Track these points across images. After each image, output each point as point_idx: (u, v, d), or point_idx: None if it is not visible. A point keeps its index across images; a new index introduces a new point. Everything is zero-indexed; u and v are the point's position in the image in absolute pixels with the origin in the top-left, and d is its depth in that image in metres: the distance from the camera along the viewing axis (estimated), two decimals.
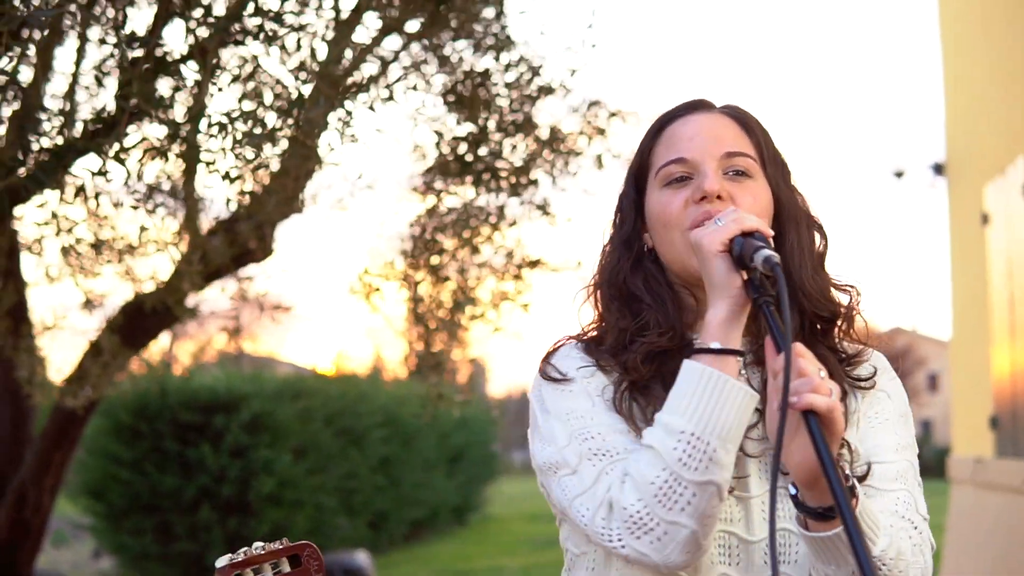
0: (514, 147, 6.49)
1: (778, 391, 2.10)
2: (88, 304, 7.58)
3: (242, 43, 5.83)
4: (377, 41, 5.90)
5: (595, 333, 2.57)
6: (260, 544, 2.48)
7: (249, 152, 5.88)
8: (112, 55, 5.50)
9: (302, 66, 5.76)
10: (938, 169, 13.94)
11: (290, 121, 5.78)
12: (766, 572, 2.43)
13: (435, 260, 7.06)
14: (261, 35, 5.72)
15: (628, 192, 2.61)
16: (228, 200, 6.42)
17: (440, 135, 6.45)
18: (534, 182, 6.45)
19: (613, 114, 6.61)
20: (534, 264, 6.90)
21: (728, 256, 2.28)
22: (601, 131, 6.63)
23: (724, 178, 2.45)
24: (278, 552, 2.49)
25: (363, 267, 7.59)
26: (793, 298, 2.41)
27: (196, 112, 5.98)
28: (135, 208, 6.63)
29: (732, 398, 2.28)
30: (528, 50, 6.12)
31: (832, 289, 2.53)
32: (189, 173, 6.20)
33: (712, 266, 2.30)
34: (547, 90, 6.14)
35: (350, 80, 6.07)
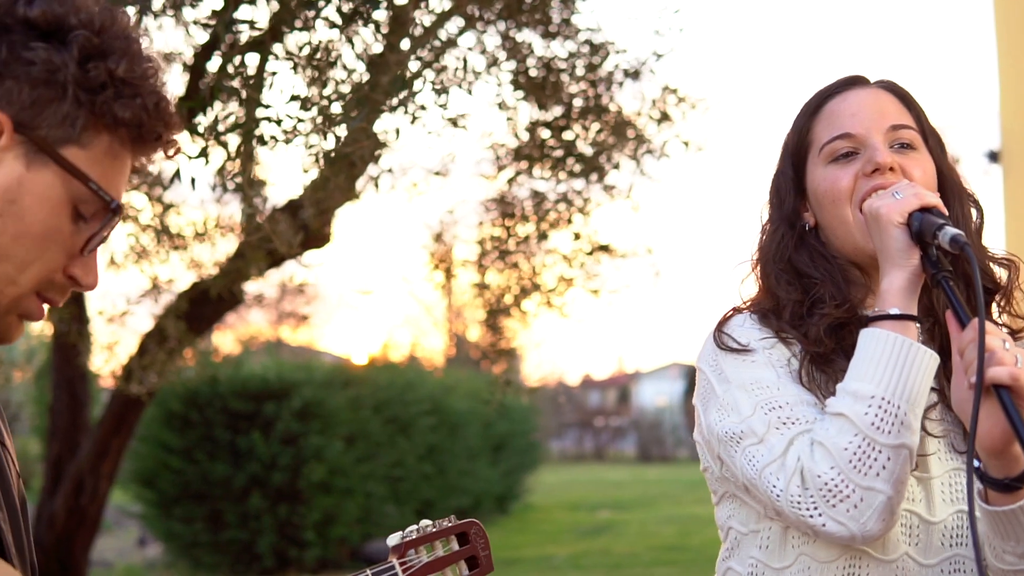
0: (585, 133, 6.48)
1: (966, 367, 2.09)
2: (154, 290, 7.61)
3: (312, 28, 5.85)
4: (439, 24, 5.89)
5: (766, 306, 2.56)
6: (428, 522, 2.54)
7: (314, 138, 5.89)
8: (189, 35, 5.52)
9: (366, 51, 5.76)
10: (993, 157, 13.84)
11: (354, 109, 5.79)
12: (944, 553, 2.42)
13: (504, 246, 7.06)
14: (326, 20, 5.75)
15: (785, 171, 2.61)
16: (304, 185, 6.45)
17: (511, 120, 6.46)
18: (616, 167, 6.45)
19: (681, 100, 6.59)
20: (604, 250, 6.90)
21: (906, 229, 2.28)
22: (667, 117, 6.62)
23: (891, 151, 2.45)
24: (448, 530, 2.55)
25: (431, 253, 7.62)
26: (960, 273, 2.39)
27: (257, 98, 6.01)
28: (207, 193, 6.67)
29: (919, 362, 2.29)
30: (600, 35, 6.12)
31: (991, 263, 2.52)
32: (251, 157, 6.21)
33: (890, 236, 2.31)
34: (633, 74, 6.13)
35: (415, 66, 6.07)
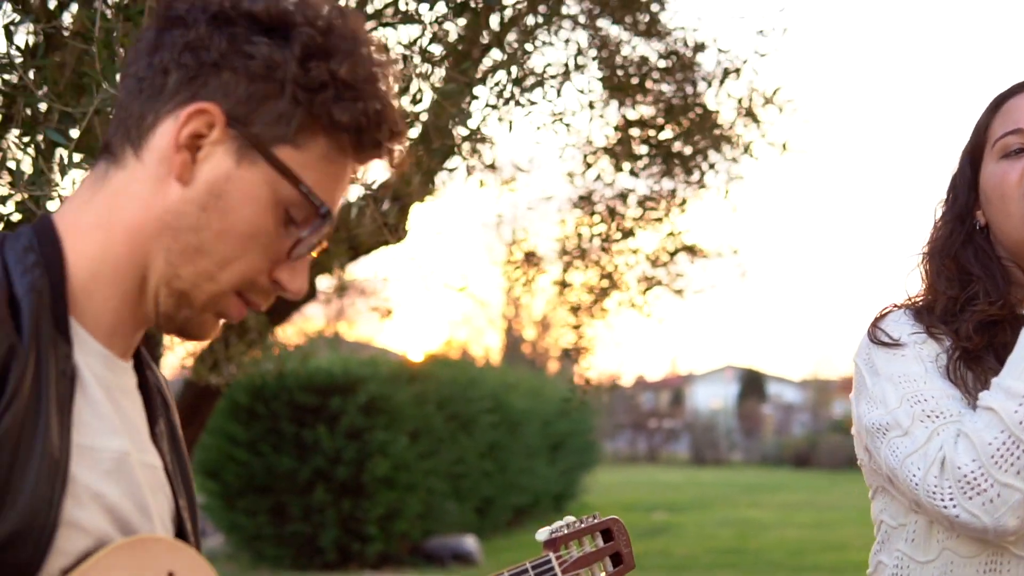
0: (675, 131, 6.49)
1: None
2: None
3: (392, 25, 5.87)
4: (515, 21, 5.91)
5: (922, 302, 2.58)
6: (572, 518, 2.60)
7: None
8: None
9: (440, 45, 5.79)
10: None
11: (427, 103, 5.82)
12: None
13: (587, 245, 7.07)
14: (398, 16, 5.78)
15: (963, 170, 2.62)
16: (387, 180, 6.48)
17: (602, 117, 6.47)
18: (712, 166, 6.45)
19: (768, 100, 6.57)
20: (689, 250, 6.89)
21: None
22: (755, 118, 6.60)
23: None
24: (594, 527, 2.61)
25: (512, 250, 7.63)
26: None
27: None
28: None
29: None
30: (698, 34, 6.13)
31: None
32: None
33: None
34: (734, 72, 6.13)
35: (491, 62, 6.09)
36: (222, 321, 1.91)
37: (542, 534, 2.53)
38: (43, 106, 3.69)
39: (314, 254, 1.89)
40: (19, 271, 1.75)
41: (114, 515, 1.80)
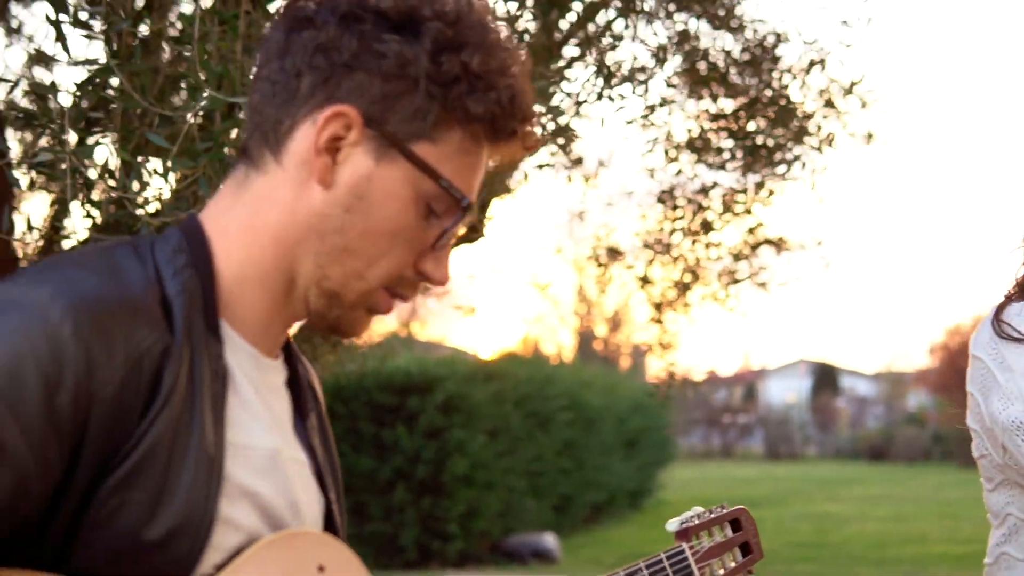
0: (757, 124, 6.47)
1: None
2: None
3: None
4: (590, 15, 5.91)
5: None
6: (700, 509, 2.60)
7: None
8: None
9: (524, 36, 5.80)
10: None
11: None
12: None
13: (668, 239, 7.06)
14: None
15: None
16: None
17: (683, 111, 6.47)
18: (797, 158, 6.43)
19: (848, 91, 6.54)
20: (775, 243, 6.88)
21: None
22: (835, 108, 6.58)
23: None
24: (723, 517, 2.62)
25: (595, 245, 7.64)
26: None
27: None
28: None
29: None
30: (782, 25, 6.11)
31: None
32: None
33: None
34: (819, 63, 6.11)
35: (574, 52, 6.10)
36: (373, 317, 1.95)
37: (672, 524, 2.55)
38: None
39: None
40: (170, 272, 1.78)
41: (265, 512, 1.84)
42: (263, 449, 1.86)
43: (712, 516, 2.61)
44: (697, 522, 2.58)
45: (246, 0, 3.91)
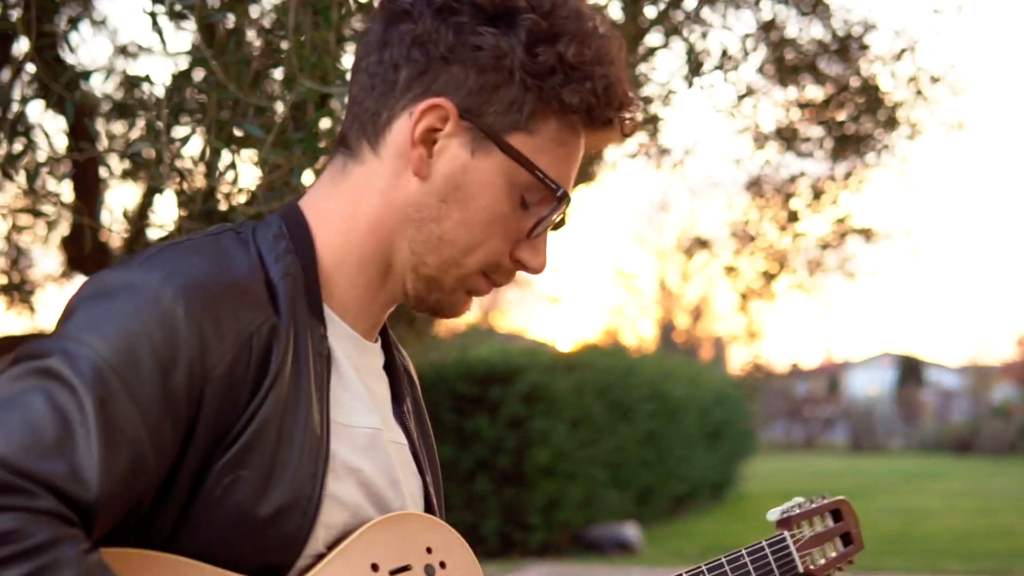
0: (845, 113, 6.43)
1: None
2: None
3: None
4: (676, 3, 5.89)
5: None
6: (801, 499, 2.63)
7: None
8: None
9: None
10: None
11: None
12: None
13: (755, 229, 7.04)
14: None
15: None
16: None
17: (769, 99, 6.44)
18: (886, 147, 6.39)
19: (937, 79, 6.48)
20: (863, 232, 6.84)
21: None
22: (925, 98, 6.52)
23: None
24: (824, 507, 2.66)
25: (681, 234, 7.63)
26: None
27: None
28: None
29: None
30: (872, 15, 6.06)
31: None
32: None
33: None
34: (909, 51, 6.07)
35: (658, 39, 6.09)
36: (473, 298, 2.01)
37: (773, 514, 2.57)
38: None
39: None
40: (272, 257, 1.85)
41: (369, 490, 1.91)
42: (365, 428, 1.92)
43: (813, 506, 2.63)
44: (798, 511, 2.59)
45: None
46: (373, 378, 2.01)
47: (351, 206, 1.92)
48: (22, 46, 4.88)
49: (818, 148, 6.52)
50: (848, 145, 6.44)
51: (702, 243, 7.39)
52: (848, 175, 6.63)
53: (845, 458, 44.58)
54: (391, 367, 2.08)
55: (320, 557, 1.84)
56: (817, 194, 6.72)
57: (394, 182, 1.89)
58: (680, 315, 41.60)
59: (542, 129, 1.87)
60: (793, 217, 6.87)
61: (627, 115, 1.92)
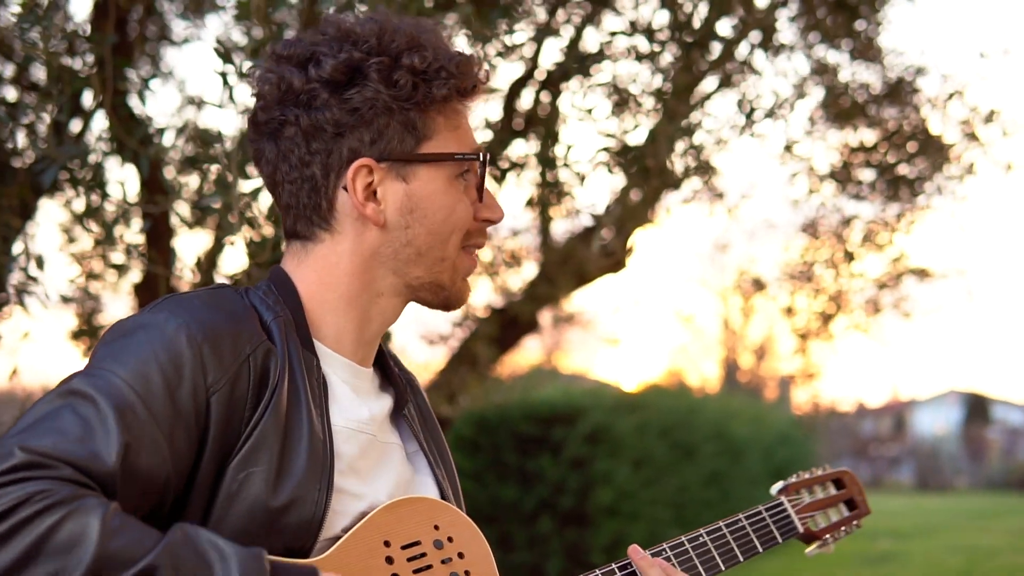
0: (897, 155, 6.50)
1: None
2: (466, 318, 7.89)
3: (615, 59, 6.02)
4: (730, 50, 5.99)
5: None
6: (801, 472, 2.85)
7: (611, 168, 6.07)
8: (492, 65, 5.76)
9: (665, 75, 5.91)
10: None
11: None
12: None
13: (811, 270, 7.12)
14: (632, 53, 5.92)
15: None
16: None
17: (824, 142, 6.53)
18: (939, 189, 6.45)
19: (988, 119, 6.55)
20: (917, 272, 6.90)
21: None
22: (976, 138, 6.58)
23: None
24: (825, 476, 2.78)
25: (738, 277, 7.71)
26: None
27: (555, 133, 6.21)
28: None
29: None
30: (920, 58, 6.15)
31: None
32: (553, 187, 6.41)
33: None
34: (957, 95, 6.14)
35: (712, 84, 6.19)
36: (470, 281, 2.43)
37: (775, 487, 2.72)
38: None
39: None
40: (264, 306, 2.22)
41: (375, 484, 2.26)
42: (364, 434, 2.26)
43: (812, 476, 2.77)
44: (796, 480, 2.80)
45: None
46: (372, 396, 2.36)
47: (324, 267, 2.29)
48: (89, 97, 5.08)
49: (872, 190, 6.60)
50: (901, 187, 6.52)
51: (759, 284, 7.47)
52: (900, 216, 6.70)
53: (911, 497, 44.21)
54: (391, 381, 2.44)
55: (337, 539, 2.14)
56: (868, 235, 6.80)
57: (359, 239, 2.27)
58: (744, 355, 41.47)
59: (437, 125, 2.27)
60: (849, 257, 6.95)
61: (477, 70, 2.30)
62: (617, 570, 2.52)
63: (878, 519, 28.02)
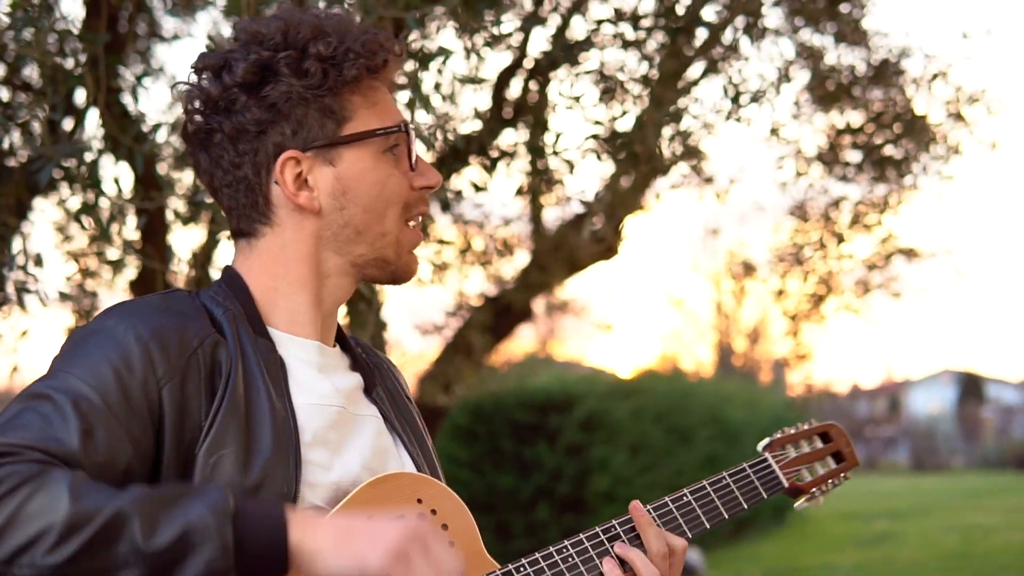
0: (883, 136, 6.56)
1: None
2: (460, 307, 7.94)
3: (601, 47, 6.08)
4: (716, 35, 6.04)
5: None
6: (786, 428, 2.87)
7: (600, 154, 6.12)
8: (481, 56, 5.81)
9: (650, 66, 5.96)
10: None
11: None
12: None
13: (800, 252, 7.17)
14: (619, 40, 5.98)
15: None
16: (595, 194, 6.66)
17: (811, 125, 6.58)
18: (924, 169, 6.50)
19: (974, 100, 6.60)
20: (906, 252, 6.96)
21: None
22: (962, 118, 6.64)
23: None
24: (810, 431, 2.87)
25: (728, 260, 7.76)
26: None
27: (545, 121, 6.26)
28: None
29: None
30: (904, 40, 6.21)
31: None
32: (542, 176, 6.45)
33: None
34: (941, 75, 6.20)
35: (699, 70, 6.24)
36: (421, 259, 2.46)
37: (761, 443, 2.79)
38: None
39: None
40: (213, 303, 2.32)
41: (346, 453, 2.32)
42: (331, 407, 2.33)
43: (797, 431, 2.84)
44: (780, 436, 2.83)
45: (412, 63, 4.18)
46: (339, 373, 2.44)
47: (270, 258, 2.37)
48: (82, 95, 5.12)
49: (859, 171, 6.65)
50: (887, 167, 6.57)
51: (749, 267, 7.52)
52: (887, 197, 6.76)
53: (907, 477, 44.36)
54: (356, 364, 2.51)
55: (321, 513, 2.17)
56: (857, 216, 6.85)
57: (298, 227, 2.35)
58: (738, 338, 41.59)
59: (354, 106, 2.34)
60: (839, 239, 7.00)
61: (387, 44, 2.36)
62: (617, 525, 2.57)
63: (874, 500, 28.05)
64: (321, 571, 1.96)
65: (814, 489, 2.81)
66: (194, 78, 2.36)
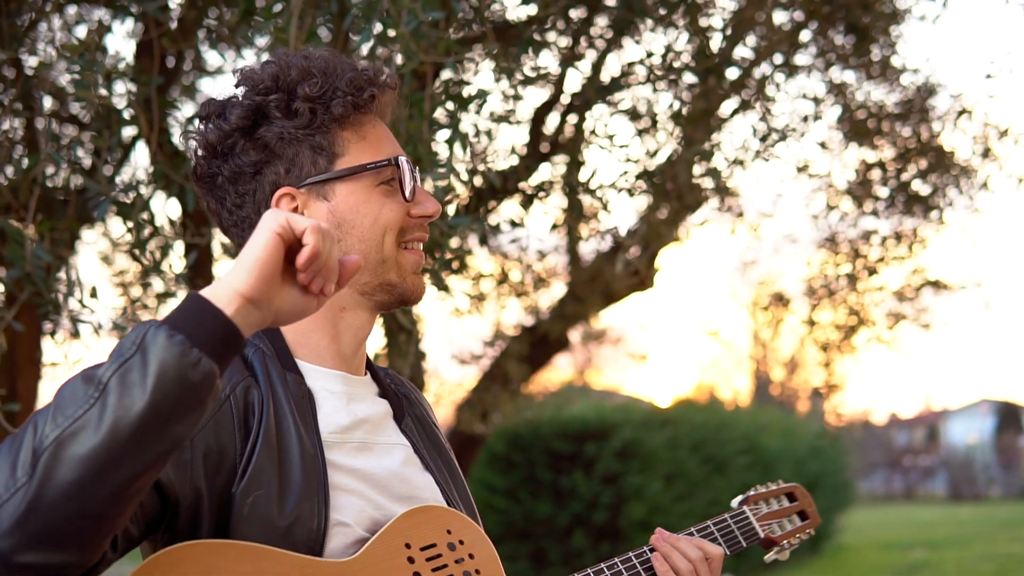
0: (914, 170, 6.67)
1: None
2: (498, 337, 8.08)
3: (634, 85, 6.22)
4: (748, 73, 6.17)
5: None
6: (758, 486, 3.12)
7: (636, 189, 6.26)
8: (518, 96, 5.95)
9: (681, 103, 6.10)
10: None
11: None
12: None
13: (833, 284, 7.28)
14: (651, 80, 6.12)
15: None
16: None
17: (840, 160, 6.70)
18: (951, 204, 6.61)
19: (1004, 134, 6.71)
20: (935, 285, 7.06)
21: None
22: (990, 153, 6.75)
23: None
24: (780, 491, 3.15)
25: (759, 292, 7.88)
26: None
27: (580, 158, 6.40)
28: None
29: None
30: (932, 77, 6.32)
31: None
32: (577, 210, 6.59)
33: None
34: (967, 113, 6.31)
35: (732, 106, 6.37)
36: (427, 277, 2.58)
37: (736, 500, 3.04)
38: None
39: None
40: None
41: (373, 481, 2.40)
42: (357, 440, 2.42)
43: (768, 490, 3.11)
44: (754, 493, 3.06)
45: (431, 84, 4.32)
46: (368, 402, 2.51)
47: None
48: (130, 130, 5.29)
49: (889, 206, 6.77)
50: (915, 202, 6.68)
51: (781, 299, 7.64)
52: (914, 230, 6.87)
53: (945, 507, 44.10)
54: (385, 393, 2.59)
55: (362, 541, 2.30)
56: (887, 249, 6.96)
57: None
58: (775, 368, 41.48)
59: (345, 141, 2.41)
60: (870, 272, 7.11)
61: (382, 80, 2.46)
62: (633, 557, 2.75)
63: (911, 530, 27.98)
64: (249, 293, 1.95)
65: (784, 542, 3.09)
66: (199, 125, 2.47)
